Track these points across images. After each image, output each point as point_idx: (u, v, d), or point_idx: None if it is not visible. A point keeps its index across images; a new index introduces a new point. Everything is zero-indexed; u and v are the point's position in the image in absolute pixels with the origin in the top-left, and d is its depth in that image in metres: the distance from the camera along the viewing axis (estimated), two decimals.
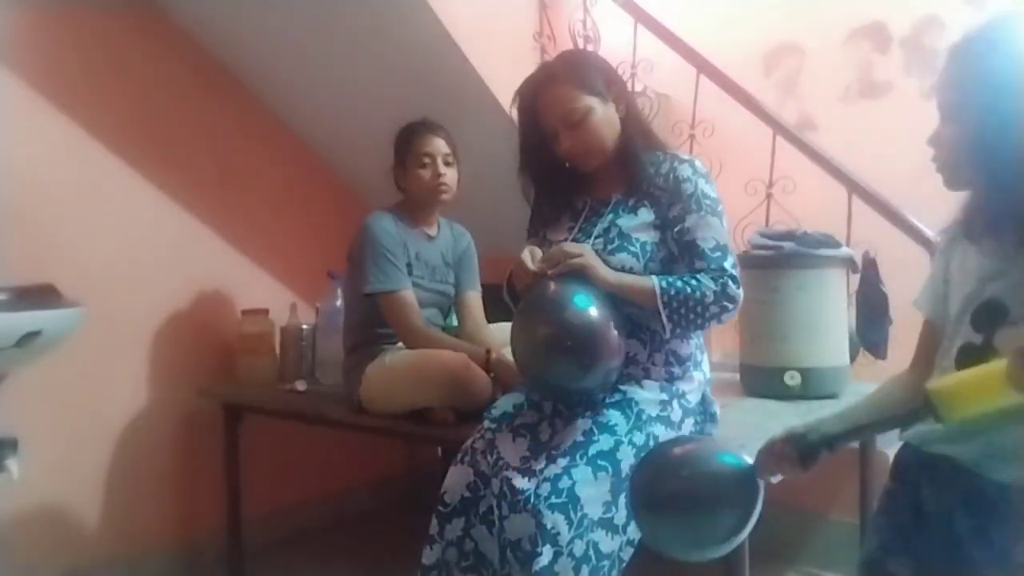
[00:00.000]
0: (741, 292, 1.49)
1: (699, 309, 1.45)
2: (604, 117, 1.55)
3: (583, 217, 1.62)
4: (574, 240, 1.58)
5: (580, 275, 1.43)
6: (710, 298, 1.45)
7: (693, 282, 1.46)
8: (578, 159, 1.58)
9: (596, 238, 1.55)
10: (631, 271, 1.50)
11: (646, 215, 1.55)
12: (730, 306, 1.48)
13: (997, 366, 0.90)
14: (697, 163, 1.57)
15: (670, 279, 1.47)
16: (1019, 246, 1.01)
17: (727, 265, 1.49)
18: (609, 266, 1.49)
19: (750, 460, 1.14)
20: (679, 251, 1.52)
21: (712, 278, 1.47)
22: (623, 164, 1.59)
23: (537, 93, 1.57)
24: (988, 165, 1.01)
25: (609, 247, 1.52)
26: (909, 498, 1.13)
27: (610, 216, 1.57)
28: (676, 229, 1.52)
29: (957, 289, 1.10)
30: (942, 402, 0.93)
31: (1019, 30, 1.01)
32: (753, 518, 1.13)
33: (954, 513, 1.05)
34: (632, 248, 1.51)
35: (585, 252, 1.46)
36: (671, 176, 1.55)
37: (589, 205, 1.63)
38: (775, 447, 1.12)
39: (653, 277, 1.47)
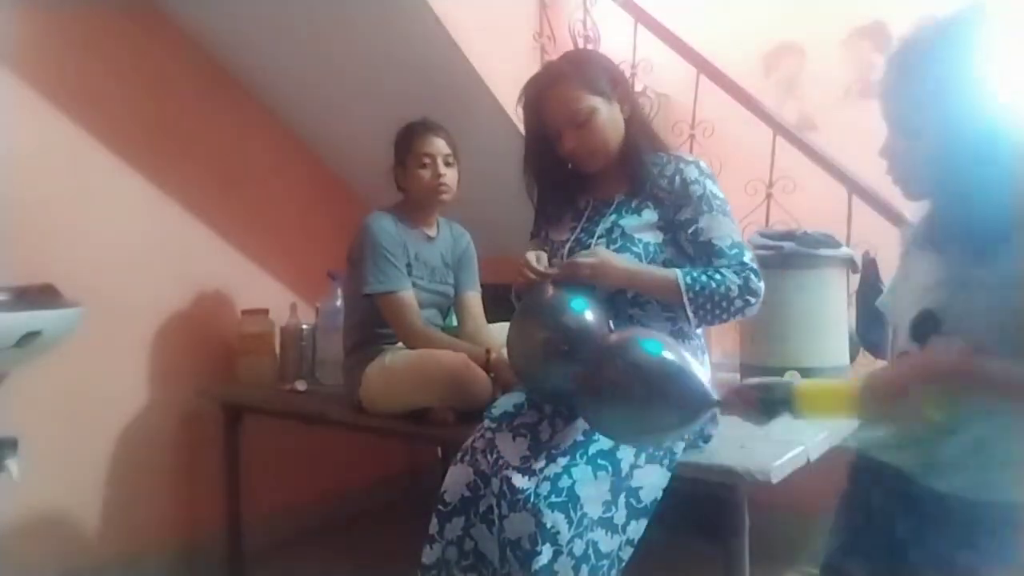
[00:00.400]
0: (762, 285, 1.49)
1: (724, 304, 1.46)
2: (608, 118, 1.55)
3: (585, 217, 1.62)
4: (576, 240, 1.58)
5: (591, 281, 1.44)
6: (735, 292, 1.46)
7: (717, 276, 1.46)
8: (582, 160, 1.58)
9: (599, 238, 1.55)
10: None
11: (650, 216, 1.55)
12: (753, 300, 1.48)
13: (852, 388, 1.00)
14: (702, 164, 1.58)
15: (694, 273, 1.46)
16: (963, 259, 1.00)
17: (747, 260, 1.49)
18: None
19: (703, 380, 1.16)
20: (695, 252, 1.53)
21: (735, 272, 1.47)
22: (626, 165, 1.59)
23: (542, 93, 1.58)
24: (942, 178, 1.00)
25: (612, 247, 1.53)
26: (861, 501, 1.14)
27: (613, 216, 1.58)
28: (690, 231, 1.52)
29: (904, 296, 1.10)
30: (798, 400, 1.03)
31: (958, 35, 0.98)
32: (692, 419, 1.16)
33: (896, 517, 1.06)
34: (635, 248, 1.51)
35: (598, 254, 1.45)
36: (677, 178, 1.55)
37: (591, 205, 1.63)
38: (743, 392, 1.10)
39: (676, 271, 1.47)
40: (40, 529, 2.19)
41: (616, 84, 1.59)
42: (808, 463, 1.59)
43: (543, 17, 2.78)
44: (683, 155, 1.61)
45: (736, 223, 1.56)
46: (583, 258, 1.45)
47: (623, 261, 1.47)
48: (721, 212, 1.52)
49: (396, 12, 2.24)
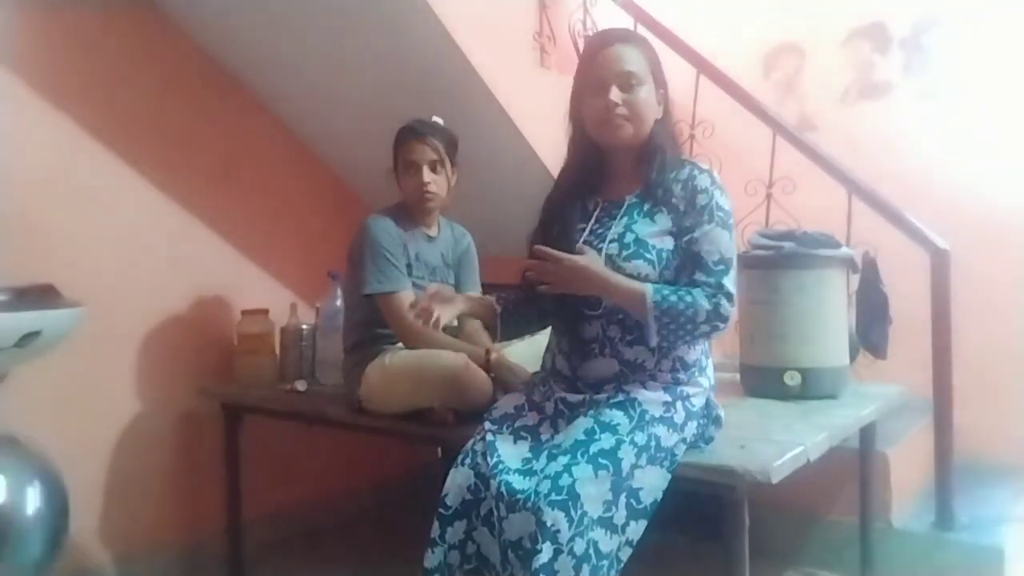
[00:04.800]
0: (734, 310, 1.49)
1: (689, 327, 1.45)
2: (651, 101, 1.56)
3: (594, 218, 1.60)
4: (586, 242, 1.56)
5: (569, 281, 1.45)
6: (702, 317, 1.45)
7: (688, 298, 1.44)
8: (613, 123, 1.54)
9: (611, 242, 1.54)
10: (646, 279, 1.49)
11: (663, 222, 1.54)
12: (721, 325, 1.47)
13: None
14: (715, 174, 1.57)
15: (665, 291, 1.44)
16: None
17: (726, 281, 1.48)
18: (624, 273, 1.49)
19: None
20: (683, 259, 1.52)
21: (707, 295, 1.46)
22: (643, 163, 1.57)
23: (610, 42, 1.57)
24: None
25: (624, 252, 1.51)
26: None
27: (624, 220, 1.56)
28: (686, 239, 1.51)
29: None
30: None
31: None
32: None
33: None
34: (648, 256, 1.50)
35: (589, 256, 1.46)
36: (689, 184, 1.54)
37: (600, 206, 1.62)
38: None
39: (648, 286, 1.45)
40: None
41: (663, 84, 1.61)
42: (808, 463, 1.59)
43: (543, 17, 2.78)
44: (698, 162, 1.60)
45: (735, 239, 1.55)
46: (572, 258, 1.45)
47: (604, 269, 1.47)
48: (721, 225, 1.51)
49: (396, 12, 2.24)
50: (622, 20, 2.72)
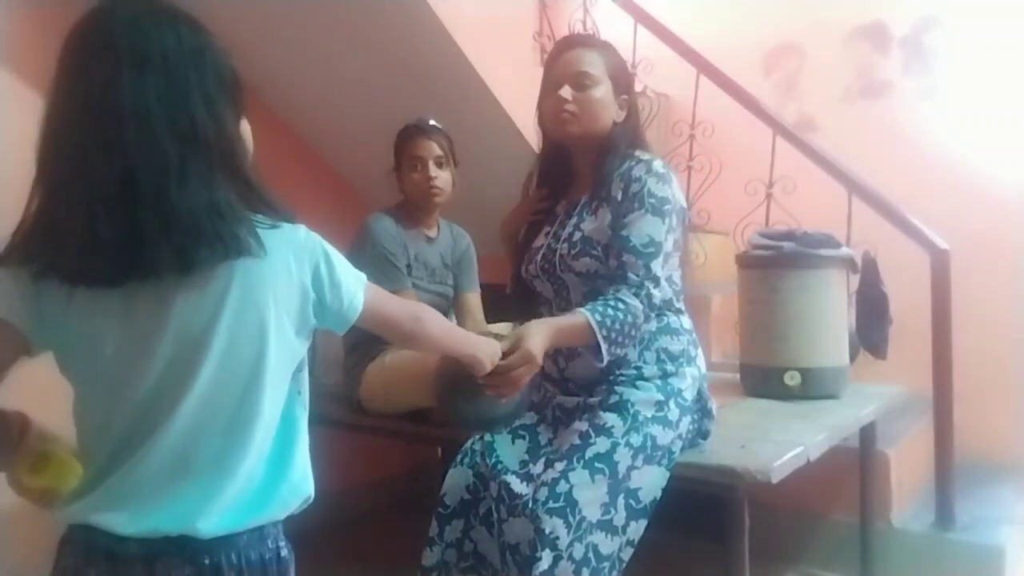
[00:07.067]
0: (660, 293, 1.46)
1: (632, 332, 1.43)
2: (605, 102, 1.55)
3: (558, 221, 1.63)
4: (547, 246, 1.59)
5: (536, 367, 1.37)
6: (641, 318, 1.43)
7: (621, 306, 1.41)
8: (563, 118, 1.54)
9: (563, 242, 1.56)
10: (596, 274, 1.50)
11: (604, 216, 1.53)
12: (652, 315, 1.48)
13: None
14: (655, 164, 1.53)
15: (600, 311, 1.40)
16: None
17: (654, 265, 1.44)
18: (573, 271, 1.52)
19: None
20: (613, 245, 1.49)
21: (634, 292, 1.42)
22: (599, 164, 1.57)
23: (566, 47, 1.60)
24: None
25: (573, 251, 1.53)
26: None
27: (575, 220, 1.58)
28: (617, 225, 1.50)
29: None
30: None
31: None
32: None
33: None
34: (595, 252, 1.51)
35: (523, 341, 1.33)
36: (626, 176, 1.52)
37: (564, 209, 1.64)
38: None
39: (583, 312, 1.40)
40: (40, 529, 2.19)
41: (627, 89, 1.60)
42: (808, 463, 1.59)
43: (543, 17, 2.78)
44: (641, 155, 1.57)
45: (674, 228, 1.51)
46: (511, 361, 1.31)
47: (540, 330, 1.37)
48: (651, 211, 1.47)
49: (396, 11, 2.24)
50: (622, 20, 2.72)
